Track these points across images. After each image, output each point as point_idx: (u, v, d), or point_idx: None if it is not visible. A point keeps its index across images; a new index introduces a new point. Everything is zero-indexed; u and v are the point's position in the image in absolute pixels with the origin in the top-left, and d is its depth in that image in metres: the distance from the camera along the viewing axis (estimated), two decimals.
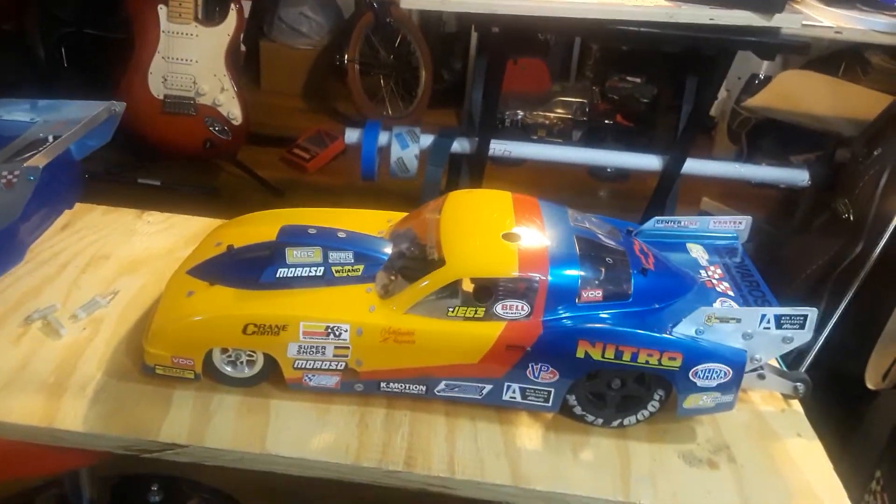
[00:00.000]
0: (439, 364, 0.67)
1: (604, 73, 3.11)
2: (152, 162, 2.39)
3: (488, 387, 0.68)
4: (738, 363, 0.67)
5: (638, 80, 3.01)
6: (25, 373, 0.69)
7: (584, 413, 0.70)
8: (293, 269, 0.69)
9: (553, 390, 0.68)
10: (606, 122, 2.89)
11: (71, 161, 0.85)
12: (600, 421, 0.70)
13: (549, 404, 0.69)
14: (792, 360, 1.35)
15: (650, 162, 1.79)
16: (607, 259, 0.70)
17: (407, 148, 1.74)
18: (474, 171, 1.80)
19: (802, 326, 0.67)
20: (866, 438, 1.31)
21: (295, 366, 0.68)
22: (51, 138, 0.79)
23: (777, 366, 0.78)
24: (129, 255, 0.88)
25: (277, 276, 0.69)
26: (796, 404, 0.77)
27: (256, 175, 2.46)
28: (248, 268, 0.70)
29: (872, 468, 1.25)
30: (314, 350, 0.67)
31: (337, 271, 0.70)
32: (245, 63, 2.97)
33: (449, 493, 0.65)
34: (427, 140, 1.76)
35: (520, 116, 2.84)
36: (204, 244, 0.77)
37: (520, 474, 0.65)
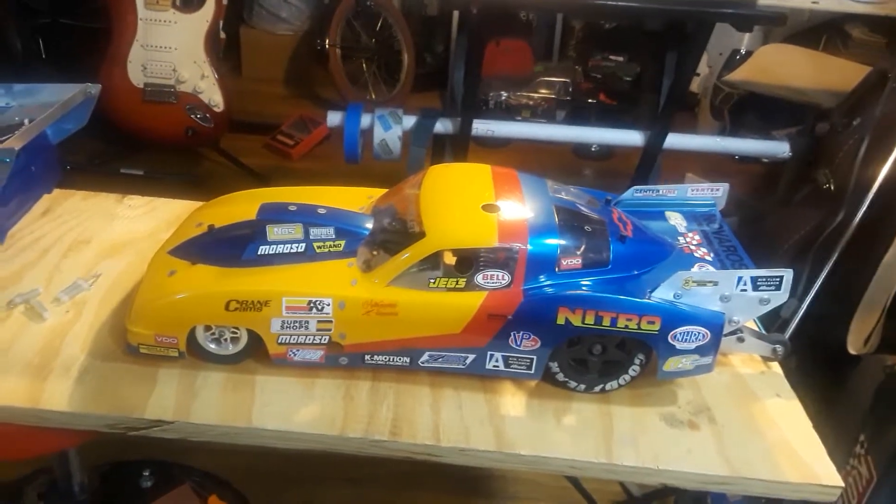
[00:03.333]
0: (422, 335, 0.68)
1: (586, 53, 3.11)
2: (134, 151, 2.37)
3: (471, 356, 0.69)
4: (716, 325, 0.68)
5: (620, 59, 3.01)
6: (9, 355, 0.69)
7: (566, 379, 0.71)
8: (274, 246, 0.70)
9: (535, 358, 0.69)
10: (590, 101, 2.89)
11: (48, 145, 0.84)
12: (582, 386, 0.71)
13: (532, 372, 0.70)
14: (776, 328, 1.37)
15: (632, 137, 1.80)
16: (586, 227, 0.71)
17: (390, 129, 1.73)
18: (458, 151, 1.80)
19: (779, 287, 0.68)
20: (850, 403, 1.33)
21: (279, 341, 0.68)
22: (26, 122, 0.79)
23: (756, 329, 0.79)
24: (110, 239, 0.88)
25: (259, 253, 0.69)
26: (775, 366, 0.78)
27: (240, 162, 2.44)
28: (229, 246, 0.70)
29: (856, 432, 1.27)
30: (297, 325, 0.67)
31: (318, 247, 0.70)
32: (226, 50, 2.94)
33: (435, 460, 0.66)
34: (410, 121, 1.76)
35: (504, 98, 2.83)
36: (185, 225, 0.77)
37: (504, 440, 0.66)
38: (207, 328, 0.69)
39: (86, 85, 0.84)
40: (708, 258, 0.75)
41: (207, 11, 2.22)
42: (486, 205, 0.69)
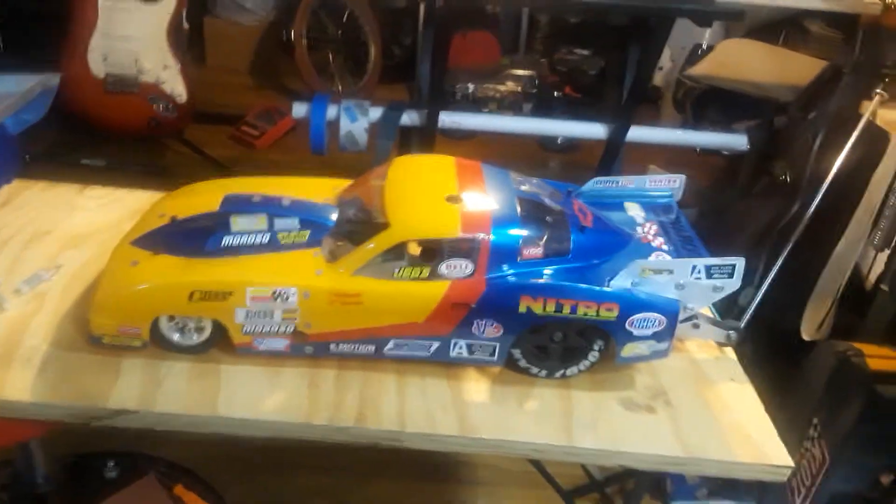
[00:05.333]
0: (387, 324, 0.69)
1: (552, 46, 3.14)
2: (96, 142, 2.33)
3: (436, 344, 0.71)
4: (671, 312, 0.70)
5: (585, 53, 3.04)
6: None
7: (528, 365, 0.73)
8: (238, 237, 0.70)
9: (498, 345, 0.71)
10: (556, 94, 2.92)
11: (6, 136, 0.83)
12: (544, 372, 0.73)
13: (495, 358, 0.71)
14: (734, 315, 1.40)
15: (595, 130, 1.82)
16: (547, 218, 0.73)
17: (356, 121, 1.73)
18: (424, 143, 1.80)
19: (731, 275, 0.70)
20: (804, 388, 1.37)
21: (244, 331, 0.69)
22: None
23: (711, 315, 0.82)
24: (71, 230, 0.87)
25: (223, 244, 0.70)
26: (729, 351, 0.81)
27: (204, 153, 2.42)
28: (192, 237, 0.70)
29: (810, 416, 1.31)
30: (262, 315, 0.68)
31: (283, 238, 0.71)
32: (190, 40, 2.90)
33: (400, 446, 0.67)
34: (376, 113, 1.76)
35: (471, 90, 2.84)
36: (147, 215, 0.77)
37: (467, 425, 0.67)
38: (171, 318, 0.69)
39: (45, 76, 0.83)
40: (665, 248, 0.77)
41: (170, 1, 2.19)
42: (449, 196, 0.71)
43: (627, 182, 0.86)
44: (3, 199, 0.91)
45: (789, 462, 0.68)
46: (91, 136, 2.32)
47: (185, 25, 2.40)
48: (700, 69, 2.23)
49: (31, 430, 0.69)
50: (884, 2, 1.53)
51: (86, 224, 0.89)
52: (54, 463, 1.07)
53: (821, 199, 1.47)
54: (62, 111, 2.21)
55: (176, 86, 2.24)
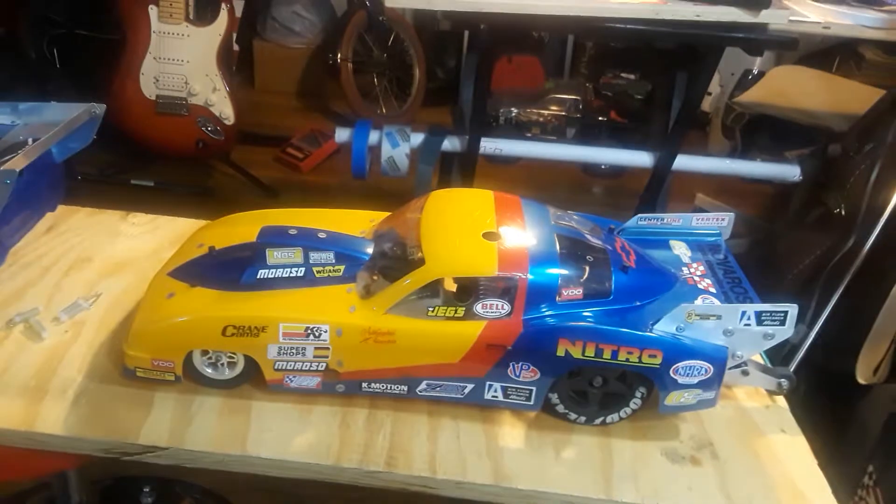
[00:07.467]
0: (420, 364, 0.67)
1: (598, 70, 3.11)
2: (145, 163, 2.39)
3: (470, 386, 0.68)
4: (719, 360, 0.67)
5: (632, 77, 3.01)
6: (6, 376, 0.69)
7: (566, 411, 0.70)
8: (274, 270, 0.69)
9: (535, 389, 0.68)
10: (600, 119, 2.88)
11: (52, 163, 0.85)
12: (583, 419, 0.70)
13: (531, 403, 0.69)
14: (785, 353, 1.35)
15: (641, 159, 1.79)
16: (588, 257, 0.70)
17: (398, 147, 1.73)
18: (465, 169, 1.79)
19: (783, 323, 0.67)
20: (858, 433, 1.31)
21: (276, 367, 0.68)
22: (30, 141, 0.79)
23: (761, 362, 0.78)
24: (112, 257, 0.88)
25: (258, 276, 0.69)
26: (781, 400, 0.77)
27: (250, 175, 2.45)
28: (228, 269, 0.70)
29: (865, 463, 1.25)
30: (294, 351, 0.67)
31: (318, 272, 0.70)
32: (239, 62, 2.97)
33: (431, 492, 0.65)
34: (418, 139, 1.76)
35: (514, 114, 2.83)
36: (186, 246, 0.77)
37: (501, 473, 0.65)
38: (204, 352, 0.68)
39: (91, 105, 0.84)
40: (712, 290, 0.74)
41: (220, 25, 2.24)
42: (487, 232, 0.69)
43: (673, 219, 0.83)
44: (47, 224, 0.92)
45: None
46: (140, 156, 2.38)
47: (235, 48, 2.45)
48: (750, 96, 2.18)
49: (63, 462, 0.69)
50: None
51: (127, 251, 0.89)
52: (91, 486, 1.08)
53: (878, 235, 1.41)
54: (113, 132, 2.28)
55: (224, 108, 2.28)
